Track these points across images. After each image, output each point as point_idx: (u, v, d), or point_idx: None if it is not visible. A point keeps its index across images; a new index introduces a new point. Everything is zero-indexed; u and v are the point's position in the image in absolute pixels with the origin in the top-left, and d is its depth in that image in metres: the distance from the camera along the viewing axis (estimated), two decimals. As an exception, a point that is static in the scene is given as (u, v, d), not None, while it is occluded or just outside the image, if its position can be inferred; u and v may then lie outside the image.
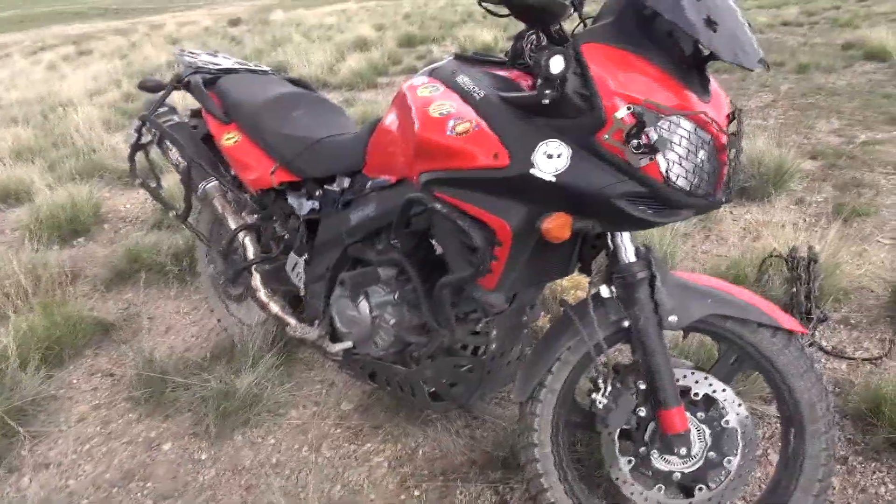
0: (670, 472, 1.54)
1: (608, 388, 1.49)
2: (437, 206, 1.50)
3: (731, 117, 1.36)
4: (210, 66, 2.35)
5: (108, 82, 9.31)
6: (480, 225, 1.46)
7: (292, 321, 2.12)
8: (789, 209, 3.63)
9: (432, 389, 1.91)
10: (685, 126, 1.27)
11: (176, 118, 2.36)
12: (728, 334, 1.51)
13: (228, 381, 2.24)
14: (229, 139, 2.17)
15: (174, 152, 2.29)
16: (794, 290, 2.51)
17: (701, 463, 1.53)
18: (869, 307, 2.65)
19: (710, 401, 1.55)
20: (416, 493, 1.88)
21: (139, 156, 2.46)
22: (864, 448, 1.93)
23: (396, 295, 1.80)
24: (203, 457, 2.10)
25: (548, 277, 1.72)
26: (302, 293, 2.11)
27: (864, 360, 2.33)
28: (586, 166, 1.32)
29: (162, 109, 2.36)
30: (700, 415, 1.53)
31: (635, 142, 1.25)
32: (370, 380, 2.04)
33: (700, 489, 1.54)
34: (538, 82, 1.31)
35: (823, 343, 2.42)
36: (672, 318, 1.46)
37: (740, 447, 1.53)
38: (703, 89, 1.32)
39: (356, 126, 2.15)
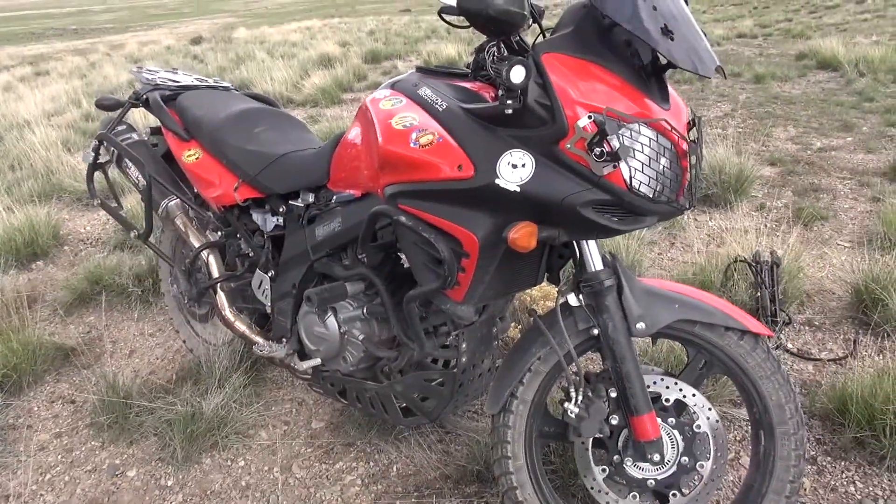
0: (644, 480, 1.54)
1: (580, 398, 1.49)
2: (403, 219, 1.48)
3: (691, 125, 1.38)
4: (169, 83, 2.32)
5: (66, 102, 9.12)
6: (447, 237, 1.46)
7: (259, 340, 2.08)
8: (751, 215, 3.70)
9: (403, 405, 1.88)
10: (646, 133, 1.29)
11: (135, 136, 2.32)
12: (696, 339, 1.52)
13: (195, 404, 2.19)
14: (190, 156, 2.13)
15: (133, 171, 2.24)
16: (758, 294, 2.55)
17: (674, 469, 1.54)
18: (832, 308, 2.71)
19: (680, 406, 1.55)
20: (391, 510, 1.85)
21: (98, 176, 2.41)
22: (833, 448, 1.96)
23: (364, 310, 1.78)
24: (170, 482, 2.04)
25: (516, 288, 1.71)
26: (269, 311, 2.08)
27: (829, 360, 2.37)
28: (550, 175, 1.32)
29: (120, 128, 2.32)
30: (671, 420, 1.54)
31: (598, 150, 1.26)
32: (340, 397, 2.01)
33: (674, 495, 1.54)
34: (500, 93, 1.31)
35: (789, 345, 2.45)
36: (640, 325, 1.47)
37: (712, 451, 1.54)
38: (663, 98, 1.34)
39: (320, 141, 2.13)
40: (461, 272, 1.47)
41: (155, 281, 3.12)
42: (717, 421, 1.54)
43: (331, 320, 1.82)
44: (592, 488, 1.58)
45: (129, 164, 2.25)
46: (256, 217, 2.07)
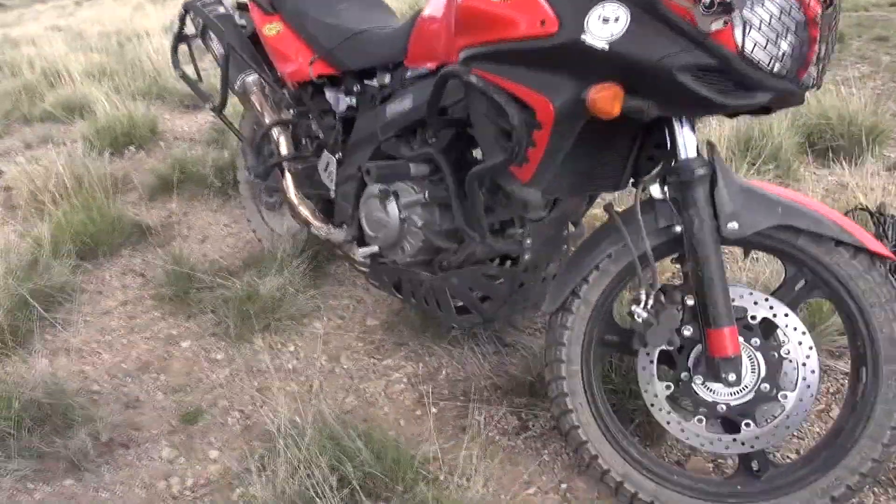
0: (714, 403, 1.35)
1: (650, 301, 1.31)
2: (473, 80, 1.33)
3: None
4: None
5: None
6: (520, 104, 1.29)
7: (320, 224, 2.01)
8: (880, 174, 3.29)
9: (459, 303, 1.76)
10: None
11: (221, 9, 2.26)
12: (798, 252, 1.29)
13: (253, 284, 2.15)
14: (271, 29, 2.05)
15: (216, 43, 2.19)
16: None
17: (751, 395, 1.34)
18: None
19: (769, 327, 1.35)
20: (433, 409, 1.74)
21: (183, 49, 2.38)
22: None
23: (426, 194, 1.65)
24: (220, 356, 2.03)
25: (593, 186, 1.53)
26: (332, 196, 2.00)
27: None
28: (647, 32, 1.13)
29: (208, 0, 2.27)
30: (755, 341, 1.33)
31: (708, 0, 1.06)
32: (396, 291, 1.91)
33: (747, 425, 1.34)
34: None
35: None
36: (733, 225, 1.26)
37: (799, 382, 1.33)
38: None
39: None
40: (531, 147, 1.31)
41: (235, 176, 3.12)
42: (811, 348, 1.32)
43: (392, 205, 1.71)
44: (653, 405, 1.40)
45: (213, 36, 2.20)
46: (329, 96, 1.97)
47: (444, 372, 1.90)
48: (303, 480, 1.36)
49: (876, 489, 1.45)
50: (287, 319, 2.12)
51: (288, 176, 2.05)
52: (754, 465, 1.37)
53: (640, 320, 1.31)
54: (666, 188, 1.32)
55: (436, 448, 1.54)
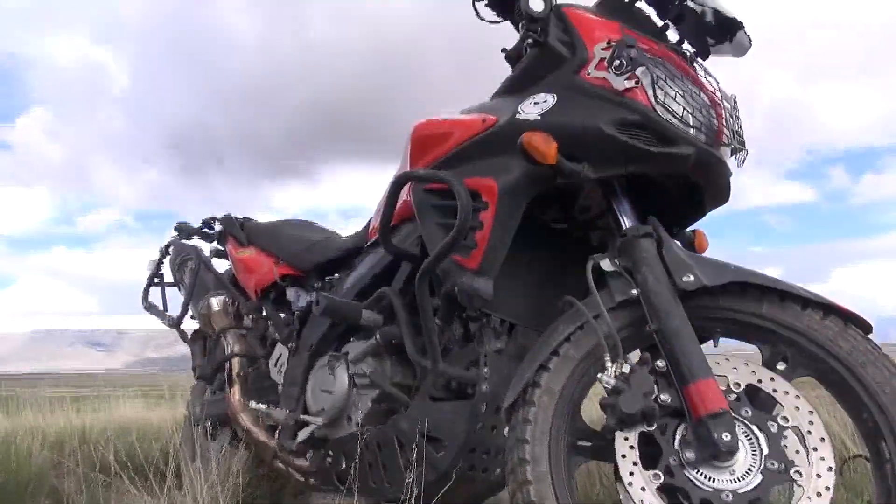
0: (717, 492, 1.09)
1: (617, 365, 1.17)
2: (422, 173, 1.43)
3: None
4: None
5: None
6: (464, 196, 1.36)
7: (260, 431, 1.83)
8: None
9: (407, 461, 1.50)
10: (668, 57, 1.30)
11: (197, 245, 2.43)
12: (766, 322, 1.21)
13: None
14: (243, 252, 2.20)
15: (188, 270, 2.30)
16: None
17: (759, 478, 1.09)
18: None
19: (758, 396, 1.17)
20: None
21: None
22: None
23: (378, 337, 1.57)
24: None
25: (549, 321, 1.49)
26: (280, 389, 1.87)
27: None
28: (573, 104, 1.31)
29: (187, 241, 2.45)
30: (745, 411, 1.14)
31: (617, 61, 1.25)
32: (338, 480, 1.63)
33: (762, 514, 1.06)
34: (521, 27, 1.38)
35: None
36: (688, 278, 1.21)
37: (811, 454, 1.10)
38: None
39: None
40: (478, 229, 1.33)
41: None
42: (811, 412, 1.13)
43: (341, 368, 1.65)
44: (643, 501, 1.11)
45: (187, 265, 2.32)
46: (291, 294, 2.01)
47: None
48: None
49: None
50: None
51: (236, 380, 1.94)
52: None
53: (608, 387, 1.15)
54: (616, 260, 1.30)
55: None
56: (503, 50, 1.57)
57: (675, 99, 1.24)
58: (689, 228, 1.53)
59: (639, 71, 1.23)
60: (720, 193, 1.38)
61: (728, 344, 1.29)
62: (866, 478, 2.13)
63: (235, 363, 1.97)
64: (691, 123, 1.25)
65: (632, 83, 1.24)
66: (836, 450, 1.51)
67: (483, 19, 1.58)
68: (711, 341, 1.29)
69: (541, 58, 1.38)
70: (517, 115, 1.33)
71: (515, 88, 1.44)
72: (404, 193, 1.52)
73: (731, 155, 1.37)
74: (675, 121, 1.24)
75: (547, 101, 1.33)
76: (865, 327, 1.17)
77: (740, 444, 1.11)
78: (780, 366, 1.21)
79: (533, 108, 1.32)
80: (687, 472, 1.11)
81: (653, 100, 1.23)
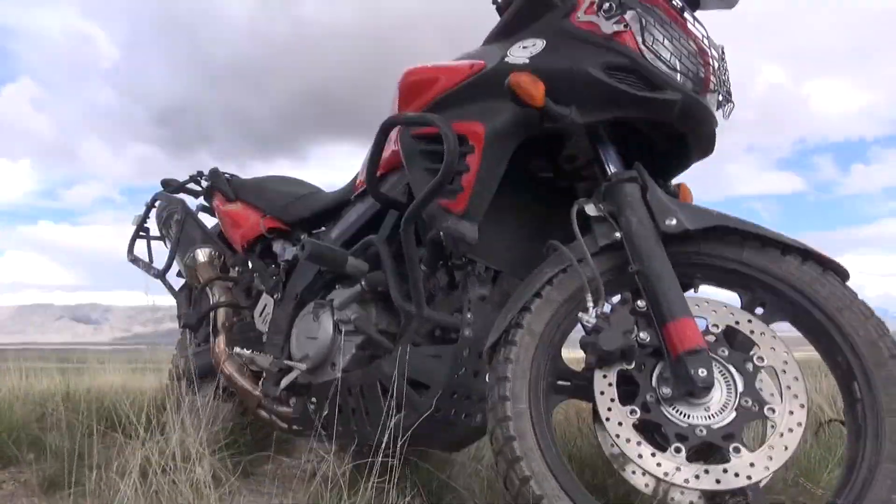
0: (692, 427, 1.11)
1: (598, 305, 1.18)
2: (412, 116, 1.43)
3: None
4: None
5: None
6: (451, 138, 1.36)
7: (246, 380, 1.84)
8: None
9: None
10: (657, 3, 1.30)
11: (184, 199, 2.42)
12: (746, 268, 1.22)
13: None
14: (229, 206, 2.19)
15: (174, 223, 2.29)
16: None
17: (733, 415, 1.11)
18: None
19: (736, 337, 1.19)
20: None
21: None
22: None
23: (363, 283, 1.58)
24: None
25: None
26: (265, 338, 1.87)
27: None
28: (561, 48, 1.31)
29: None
30: (723, 351, 1.17)
31: (606, 5, 1.26)
32: (322, 429, 1.64)
33: (736, 450, 1.08)
34: None
35: None
36: (671, 221, 1.22)
37: (784, 392, 1.12)
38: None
39: None
40: (465, 171, 1.34)
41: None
42: (787, 352, 1.15)
43: (326, 315, 1.65)
44: (619, 437, 1.13)
45: (173, 217, 2.30)
46: (277, 247, 2.01)
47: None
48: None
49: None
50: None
51: (220, 330, 1.95)
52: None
53: (588, 325, 1.16)
54: (600, 205, 1.31)
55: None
56: (494, 1, 1.56)
57: (662, 44, 1.25)
58: (673, 182, 1.54)
59: (628, 15, 1.24)
60: (706, 143, 1.38)
61: (706, 292, 1.30)
62: (840, 441, 2.17)
63: (221, 313, 1.97)
64: (678, 69, 1.26)
65: (620, 27, 1.25)
66: (813, 413, 1.53)
67: None
68: (692, 290, 1.31)
69: (530, 3, 1.38)
70: (506, 59, 1.34)
71: (504, 34, 1.44)
72: (392, 142, 1.52)
73: (718, 108, 1.37)
74: (662, 66, 1.24)
75: (536, 45, 1.33)
76: (843, 274, 1.19)
77: (716, 381, 1.13)
78: (759, 311, 1.23)
79: (521, 52, 1.32)
80: (663, 408, 1.13)
81: (641, 44, 1.24)
